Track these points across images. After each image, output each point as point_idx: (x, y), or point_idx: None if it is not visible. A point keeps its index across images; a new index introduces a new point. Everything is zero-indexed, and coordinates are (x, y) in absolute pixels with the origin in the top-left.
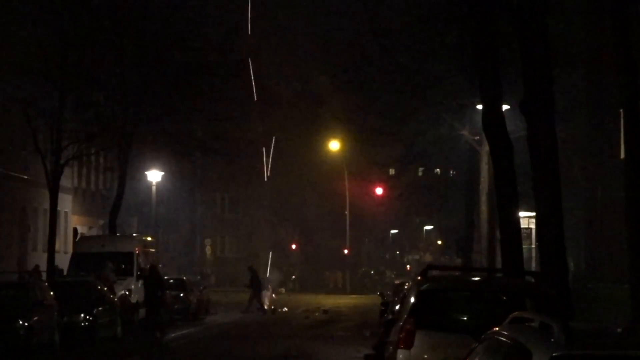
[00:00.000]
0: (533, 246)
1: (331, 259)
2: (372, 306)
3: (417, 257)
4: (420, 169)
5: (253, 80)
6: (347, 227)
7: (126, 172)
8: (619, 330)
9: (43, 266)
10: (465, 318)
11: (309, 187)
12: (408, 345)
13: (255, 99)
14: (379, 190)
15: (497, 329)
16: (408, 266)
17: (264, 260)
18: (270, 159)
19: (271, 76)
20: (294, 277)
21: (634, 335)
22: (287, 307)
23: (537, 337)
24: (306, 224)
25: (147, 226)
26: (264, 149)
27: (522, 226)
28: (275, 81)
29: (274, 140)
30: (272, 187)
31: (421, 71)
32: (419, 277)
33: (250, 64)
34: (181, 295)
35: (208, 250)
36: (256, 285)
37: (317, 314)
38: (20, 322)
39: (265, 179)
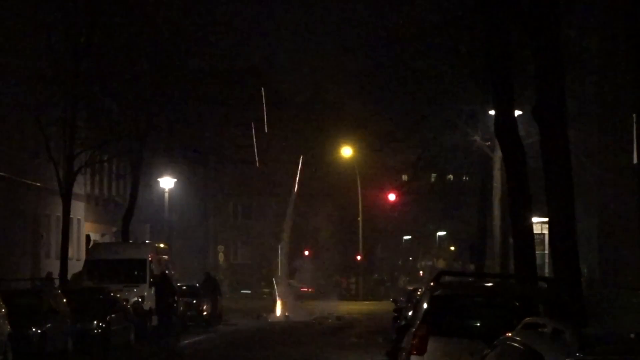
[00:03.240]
0: (546, 252)
1: (344, 266)
2: (384, 312)
3: (430, 263)
4: (433, 175)
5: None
6: (360, 233)
7: (139, 179)
8: (632, 335)
9: (56, 273)
10: (478, 324)
11: (322, 194)
12: (421, 351)
13: (267, 104)
14: (391, 197)
15: (510, 334)
16: (421, 272)
17: (275, 266)
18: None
19: (284, 82)
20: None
21: None
22: (294, 314)
23: (550, 343)
24: (319, 231)
25: (160, 233)
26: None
27: (535, 232)
28: (288, 87)
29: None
30: (284, 194)
31: (434, 77)
32: (431, 283)
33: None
34: (194, 302)
35: (220, 257)
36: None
37: (330, 320)
38: (34, 329)
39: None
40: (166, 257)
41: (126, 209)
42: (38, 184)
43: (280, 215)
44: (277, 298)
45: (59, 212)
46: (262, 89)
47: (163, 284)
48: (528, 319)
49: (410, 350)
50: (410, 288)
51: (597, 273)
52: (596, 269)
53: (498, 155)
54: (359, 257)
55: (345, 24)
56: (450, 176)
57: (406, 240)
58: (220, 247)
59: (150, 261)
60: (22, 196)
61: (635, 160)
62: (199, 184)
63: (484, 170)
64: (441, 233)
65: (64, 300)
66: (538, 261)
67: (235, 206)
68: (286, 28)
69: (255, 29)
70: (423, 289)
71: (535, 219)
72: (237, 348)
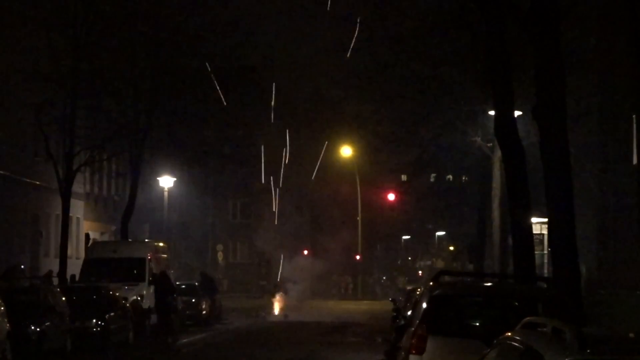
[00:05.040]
0: (545, 252)
1: (343, 265)
2: (383, 312)
3: (429, 263)
4: (433, 175)
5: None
6: (359, 233)
7: (138, 178)
8: (631, 335)
9: (55, 272)
10: (477, 323)
11: (321, 193)
12: (420, 351)
13: (267, 104)
14: (390, 196)
15: (509, 334)
16: (420, 272)
17: (275, 266)
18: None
19: (284, 82)
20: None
21: None
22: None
23: (550, 342)
24: (318, 230)
25: (159, 232)
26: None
27: (534, 232)
28: (288, 87)
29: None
30: (283, 193)
31: (433, 77)
32: (431, 283)
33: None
34: (193, 300)
35: (219, 256)
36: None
37: (328, 320)
38: (32, 328)
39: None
40: (165, 256)
41: (125, 207)
42: (37, 183)
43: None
44: (276, 297)
45: (58, 210)
46: (262, 89)
47: (162, 283)
48: (527, 318)
49: (409, 349)
50: (409, 288)
51: (597, 273)
52: (595, 269)
53: (498, 155)
54: (358, 257)
55: (345, 22)
56: (450, 176)
57: (405, 240)
58: (219, 247)
59: (150, 260)
60: (22, 194)
61: (635, 161)
62: (198, 183)
63: (483, 170)
64: (440, 233)
65: (63, 298)
66: (537, 261)
67: (235, 205)
68: (286, 27)
69: (256, 28)
70: (422, 289)
71: (534, 219)
72: (235, 347)
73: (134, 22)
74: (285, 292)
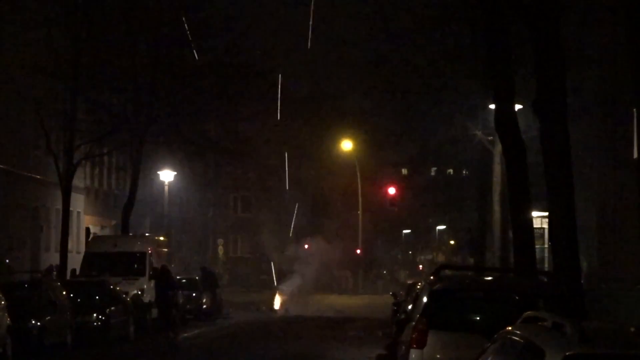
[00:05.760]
0: (546, 246)
1: (343, 259)
2: (384, 306)
3: (429, 257)
4: (433, 169)
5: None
6: (360, 227)
7: (138, 172)
8: (632, 330)
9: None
10: (477, 318)
11: (321, 187)
12: (421, 345)
13: (267, 99)
14: (391, 190)
15: (509, 328)
16: (420, 266)
17: (275, 260)
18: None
19: (284, 76)
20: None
21: None
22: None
23: (550, 337)
24: (318, 225)
25: (160, 226)
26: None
27: (535, 226)
28: (289, 81)
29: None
30: (284, 188)
31: (434, 72)
32: (431, 277)
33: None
34: (193, 295)
35: (220, 250)
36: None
37: (329, 315)
38: (33, 322)
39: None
40: (166, 250)
41: (126, 201)
42: (38, 177)
43: (277, 210)
44: (277, 292)
45: (58, 204)
46: (263, 83)
47: (163, 277)
48: (528, 312)
49: (410, 343)
50: (410, 282)
51: (597, 267)
52: (596, 263)
53: (498, 149)
54: (358, 251)
55: (346, 17)
56: (450, 170)
57: (406, 234)
58: (220, 241)
59: (150, 254)
60: (22, 189)
61: (635, 155)
62: (199, 177)
63: (484, 164)
64: (441, 227)
65: (64, 293)
66: (538, 255)
67: (235, 200)
68: (286, 22)
69: (256, 22)
70: (423, 283)
71: (535, 213)
72: (236, 341)
73: (134, 15)
74: (302, 275)
